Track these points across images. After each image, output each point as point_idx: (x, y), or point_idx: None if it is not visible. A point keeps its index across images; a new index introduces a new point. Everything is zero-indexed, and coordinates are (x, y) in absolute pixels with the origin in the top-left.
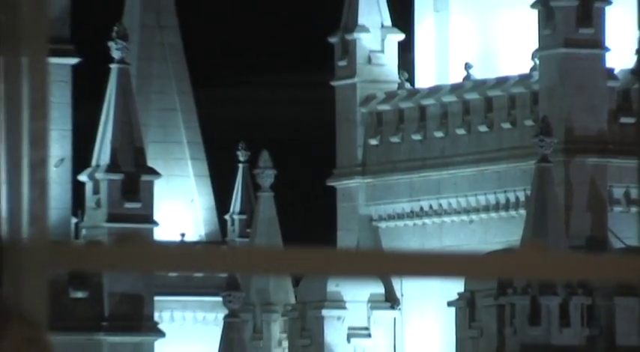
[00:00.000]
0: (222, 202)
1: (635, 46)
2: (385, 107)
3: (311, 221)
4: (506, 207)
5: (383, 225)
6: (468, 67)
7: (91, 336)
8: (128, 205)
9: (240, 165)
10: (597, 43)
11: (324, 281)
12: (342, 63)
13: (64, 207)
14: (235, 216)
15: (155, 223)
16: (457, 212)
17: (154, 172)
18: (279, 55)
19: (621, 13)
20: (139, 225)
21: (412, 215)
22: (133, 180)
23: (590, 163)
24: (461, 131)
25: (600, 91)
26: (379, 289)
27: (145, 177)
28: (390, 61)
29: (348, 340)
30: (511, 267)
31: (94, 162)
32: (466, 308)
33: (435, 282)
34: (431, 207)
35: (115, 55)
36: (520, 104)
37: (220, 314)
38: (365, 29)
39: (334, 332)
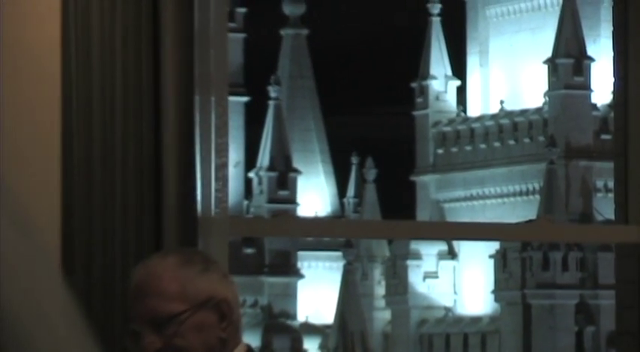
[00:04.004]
0: (341, 190)
1: (611, 89)
2: (448, 129)
3: (399, 203)
4: (527, 193)
5: (446, 205)
6: (501, 102)
7: (256, 278)
8: (280, 193)
9: (354, 166)
10: (586, 86)
11: (408, 242)
12: (420, 99)
13: (239, 193)
14: (350, 200)
15: (297, 204)
16: (495, 197)
17: (297, 171)
18: (379, 94)
19: (603, 66)
20: (287, 206)
21: (465, 199)
22: (284, 176)
23: (581, 165)
24: (497, 144)
25: (588, 118)
26: (444, 247)
27: (291, 174)
28: (451, 99)
29: (424, 280)
30: (530, 233)
31: (258, 164)
32: (501, 259)
33: (480, 242)
34: (478, 193)
35: (272, 94)
36: (536, 126)
37: (340, 263)
38: (434, 77)
39: (414, 275)
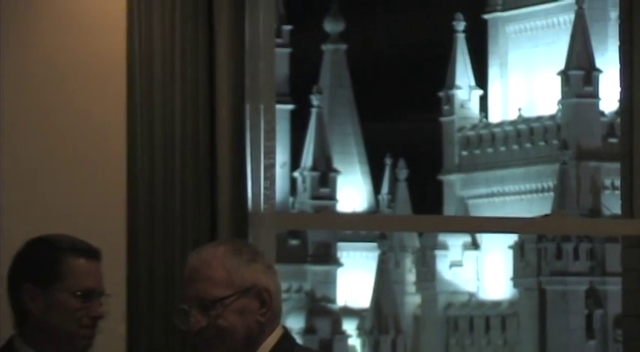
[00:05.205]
0: (376, 188)
1: (617, 97)
2: (471, 133)
3: (428, 199)
4: (542, 191)
5: (470, 202)
6: (519, 109)
7: (300, 266)
8: (322, 190)
9: (387, 166)
10: (595, 95)
11: (436, 234)
12: (446, 107)
13: (285, 191)
14: (384, 196)
15: (337, 201)
16: (513, 194)
17: (337, 171)
18: (410, 102)
19: (610, 77)
20: (328, 202)
21: (487, 196)
22: (325, 175)
23: (591, 165)
24: (515, 147)
25: (597, 124)
26: (468, 239)
27: (332, 174)
28: (474, 106)
29: (450, 268)
30: (545, 226)
31: (302, 165)
32: (519, 249)
33: (501, 235)
34: (498, 191)
35: (315, 103)
36: (550, 131)
37: (375, 253)
38: (459, 87)
39: (442, 263)
